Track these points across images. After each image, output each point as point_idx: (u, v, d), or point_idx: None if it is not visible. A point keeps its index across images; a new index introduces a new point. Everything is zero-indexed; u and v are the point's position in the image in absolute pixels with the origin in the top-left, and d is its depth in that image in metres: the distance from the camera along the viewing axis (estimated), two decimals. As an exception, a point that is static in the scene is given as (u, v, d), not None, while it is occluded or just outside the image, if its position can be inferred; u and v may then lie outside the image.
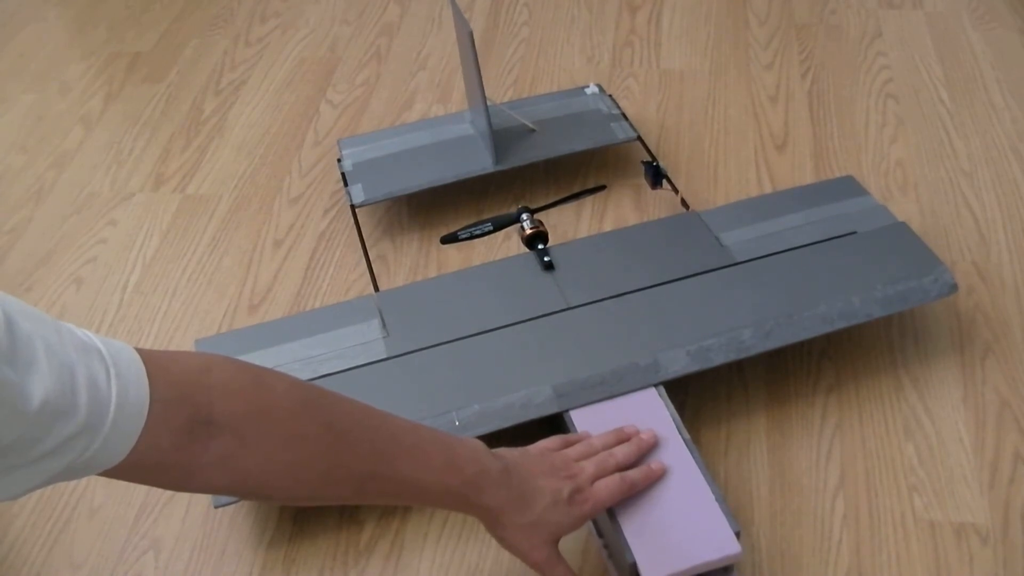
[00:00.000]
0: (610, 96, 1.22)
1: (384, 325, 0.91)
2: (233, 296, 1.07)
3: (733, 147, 1.20)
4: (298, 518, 0.85)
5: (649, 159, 1.12)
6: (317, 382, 0.80)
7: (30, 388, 0.46)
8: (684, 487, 0.75)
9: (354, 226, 1.10)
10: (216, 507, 0.81)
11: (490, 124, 1.09)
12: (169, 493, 0.88)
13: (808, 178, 1.14)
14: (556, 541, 0.70)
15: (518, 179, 1.18)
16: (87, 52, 1.52)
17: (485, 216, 1.07)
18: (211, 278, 1.09)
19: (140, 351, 0.54)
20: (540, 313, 0.90)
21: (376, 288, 1.01)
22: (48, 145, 1.33)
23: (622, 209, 1.13)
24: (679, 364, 0.84)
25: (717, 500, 0.74)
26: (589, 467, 0.73)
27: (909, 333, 0.95)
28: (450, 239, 1.02)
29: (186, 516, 0.86)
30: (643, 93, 1.30)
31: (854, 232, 0.95)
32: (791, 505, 0.82)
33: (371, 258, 1.07)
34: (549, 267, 0.95)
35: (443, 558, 0.81)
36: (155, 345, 1.02)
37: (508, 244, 1.09)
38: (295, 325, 0.92)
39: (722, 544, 0.71)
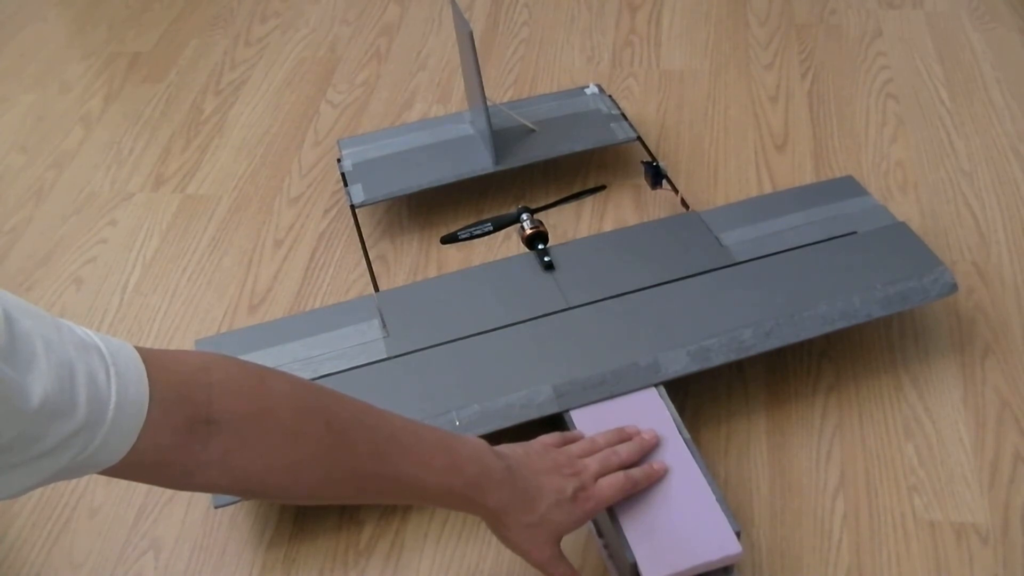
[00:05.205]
0: (610, 96, 1.22)
1: (384, 325, 0.91)
2: (233, 296, 1.07)
3: (733, 147, 1.20)
4: (298, 518, 0.85)
5: (649, 159, 1.12)
6: (317, 382, 0.80)
7: (29, 386, 0.46)
8: (684, 487, 0.75)
9: (354, 226, 1.10)
10: (216, 507, 0.81)
11: (490, 124, 1.09)
12: (169, 493, 0.88)
13: (808, 178, 1.14)
14: (558, 539, 0.70)
15: (518, 179, 1.18)
16: (87, 52, 1.52)
17: (485, 216, 1.07)
18: (211, 278, 1.09)
19: (140, 349, 0.54)
20: (540, 313, 0.90)
21: (376, 288, 1.01)
22: (48, 145, 1.33)
23: (622, 209, 1.13)
24: (679, 364, 0.84)
25: (717, 500, 0.74)
26: (593, 464, 0.73)
27: (909, 333, 0.95)
28: (450, 239, 1.02)
29: (186, 516, 0.86)
30: (643, 93, 1.30)
31: (854, 232, 0.95)
32: (791, 505, 0.82)
33: (371, 258, 1.07)
34: (549, 267, 0.95)
35: (443, 558, 0.81)
36: (155, 345, 1.02)
37: (508, 244, 1.09)
38: (295, 325, 0.92)
39: (722, 544, 0.71)
